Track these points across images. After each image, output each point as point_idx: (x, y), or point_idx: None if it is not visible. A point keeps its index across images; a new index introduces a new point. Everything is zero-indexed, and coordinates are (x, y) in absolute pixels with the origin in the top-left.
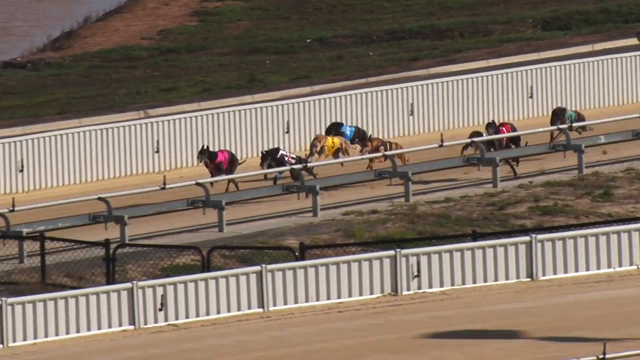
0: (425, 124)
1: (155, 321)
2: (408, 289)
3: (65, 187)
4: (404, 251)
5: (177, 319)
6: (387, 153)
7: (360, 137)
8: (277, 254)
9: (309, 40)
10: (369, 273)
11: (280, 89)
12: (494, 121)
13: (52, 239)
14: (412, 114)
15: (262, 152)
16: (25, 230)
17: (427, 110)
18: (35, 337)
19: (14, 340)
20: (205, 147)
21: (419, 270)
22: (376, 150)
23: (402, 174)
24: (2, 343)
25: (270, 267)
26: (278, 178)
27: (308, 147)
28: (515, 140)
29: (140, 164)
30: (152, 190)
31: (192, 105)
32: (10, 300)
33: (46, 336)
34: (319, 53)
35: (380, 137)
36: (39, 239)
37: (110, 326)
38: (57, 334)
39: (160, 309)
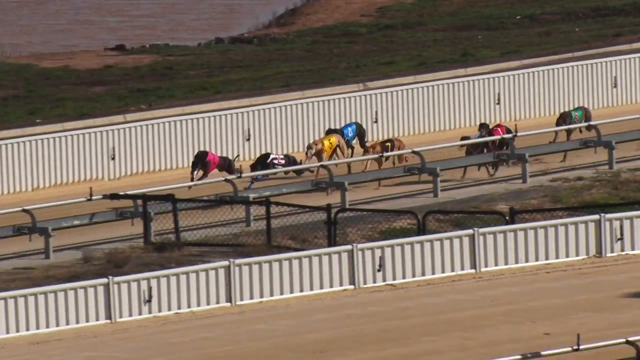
0: (628, 95)
1: (374, 281)
2: (612, 251)
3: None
4: (608, 215)
5: (394, 279)
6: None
7: (361, 135)
8: (489, 218)
9: (518, 17)
10: (575, 236)
11: (491, 63)
12: (486, 123)
13: (277, 203)
14: (615, 87)
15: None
16: (252, 196)
17: (630, 83)
18: (262, 296)
19: (242, 299)
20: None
21: (622, 234)
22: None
23: (605, 143)
24: (231, 301)
25: (482, 230)
26: (252, 186)
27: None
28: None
29: None
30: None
31: (408, 78)
32: (238, 261)
33: (271, 295)
34: (528, 29)
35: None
36: (265, 203)
37: (331, 286)
38: (281, 293)
39: (379, 270)
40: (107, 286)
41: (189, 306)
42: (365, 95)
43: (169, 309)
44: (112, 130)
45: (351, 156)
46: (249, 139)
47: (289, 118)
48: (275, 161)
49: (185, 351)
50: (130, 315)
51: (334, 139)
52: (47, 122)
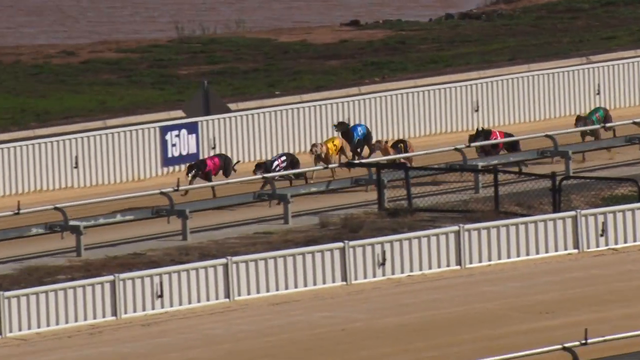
0: None
1: (597, 245)
2: None
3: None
4: None
5: (616, 243)
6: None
7: (368, 137)
8: None
9: None
10: None
11: None
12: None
13: (505, 171)
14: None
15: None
16: (480, 164)
17: None
18: (489, 260)
19: (471, 262)
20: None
21: None
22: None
23: None
24: (460, 264)
25: None
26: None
27: None
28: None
29: (581, 105)
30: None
31: (629, 52)
32: (468, 226)
33: (499, 258)
34: None
35: None
36: (492, 171)
37: (556, 250)
38: (508, 257)
39: (602, 235)
40: (342, 250)
41: (420, 269)
42: (587, 69)
43: (402, 272)
44: (347, 102)
45: (366, 156)
46: (477, 110)
47: (515, 90)
48: (277, 168)
49: (417, 311)
50: (365, 277)
51: (337, 140)
52: (285, 94)
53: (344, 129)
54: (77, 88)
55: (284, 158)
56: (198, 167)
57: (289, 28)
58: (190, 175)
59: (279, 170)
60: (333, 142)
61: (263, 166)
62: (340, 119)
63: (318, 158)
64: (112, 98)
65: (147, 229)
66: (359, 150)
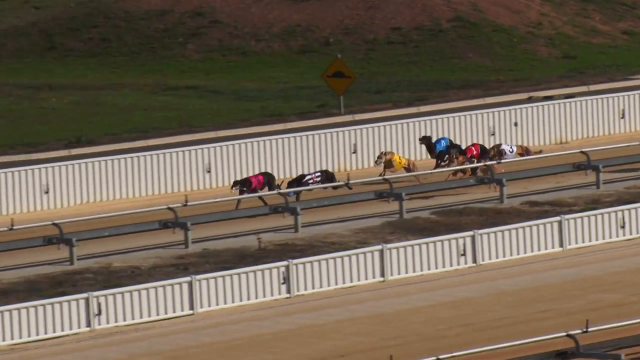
0: None
1: None
2: None
3: None
4: None
5: None
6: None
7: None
8: None
9: None
10: None
11: None
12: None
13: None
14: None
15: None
16: None
17: None
18: None
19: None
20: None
21: None
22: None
23: None
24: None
25: None
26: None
27: None
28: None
29: None
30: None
31: None
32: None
33: None
34: None
35: None
36: None
37: None
38: None
39: None
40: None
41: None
42: None
43: None
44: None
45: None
46: None
47: None
48: (311, 181)
49: None
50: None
51: (405, 160)
52: None
53: (427, 142)
54: None
55: (318, 173)
56: (242, 184)
57: None
58: (233, 189)
59: (311, 183)
60: (400, 159)
61: (294, 183)
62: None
63: (387, 165)
64: None
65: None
66: (440, 162)
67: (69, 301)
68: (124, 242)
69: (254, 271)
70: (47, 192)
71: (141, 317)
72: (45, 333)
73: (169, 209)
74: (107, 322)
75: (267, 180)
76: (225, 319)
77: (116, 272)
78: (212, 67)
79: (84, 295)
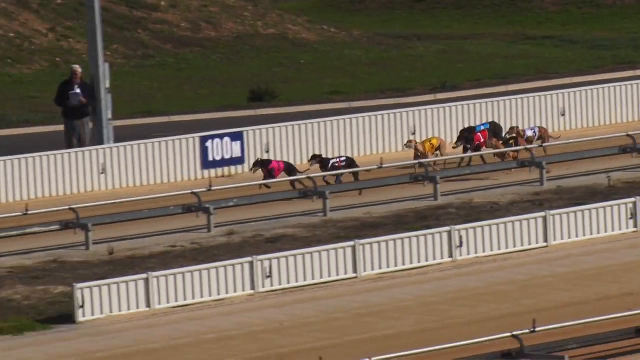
0: None
1: None
2: None
3: None
4: None
5: None
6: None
7: (496, 131)
8: None
9: None
10: None
11: None
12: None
13: None
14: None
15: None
16: None
17: None
18: None
19: None
20: (258, 159)
21: None
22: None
23: None
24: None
25: None
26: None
27: None
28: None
29: None
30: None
31: None
32: None
33: None
34: None
35: None
36: None
37: None
38: None
39: None
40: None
41: None
42: None
43: None
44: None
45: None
46: None
47: None
48: (336, 164)
49: None
50: None
51: (435, 140)
52: None
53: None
54: None
55: (344, 158)
56: (262, 164)
57: None
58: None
59: (336, 168)
60: (430, 141)
61: (318, 158)
62: None
63: (419, 153)
64: None
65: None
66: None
67: (432, 234)
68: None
69: (604, 207)
70: (414, 133)
71: (499, 249)
72: (411, 263)
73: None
74: (468, 254)
75: (288, 168)
76: (576, 251)
77: (477, 207)
78: (568, 19)
79: (447, 228)
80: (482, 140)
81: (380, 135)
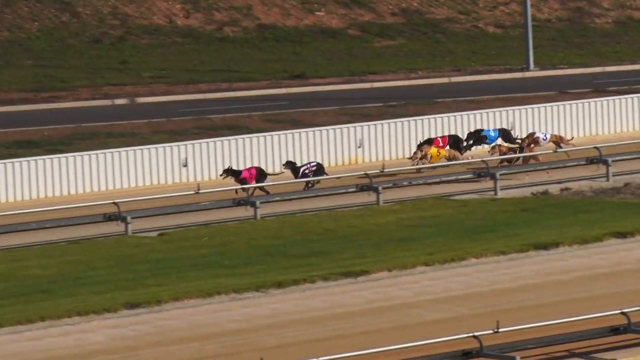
0: None
1: None
2: None
3: None
4: None
5: None
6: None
7: (505, 137)
8: None
9: None
10: None
11: None
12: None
13: None
14: None
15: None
16: None
17: None
18: None
19: None
20: (229, 167)
21: None
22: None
23: None
24: None
25: None
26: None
27: None
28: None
29: None
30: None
31: None
32: None
33: None
34: None
35: None
36: None
37: None
38: None
39: None
40: None
41: None
42: None
43: None
44: None
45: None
46: None
47: None
48: (307, 171)
49: None
50: None
51: (444, 151)
52: None
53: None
54: None
55: (314, 164)
56: (233, 173)
57: None
58: (222, 176)
59: (307, 174)
60: (438, 150)
61: (290, 164)
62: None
63: (422, 158)
64: None
65: None
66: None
67: None
68: None
69: None
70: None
71: None
72: None
73: None
74: None
75: (259, 173)
76: None
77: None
78: None
79: None
80: (441, 144)
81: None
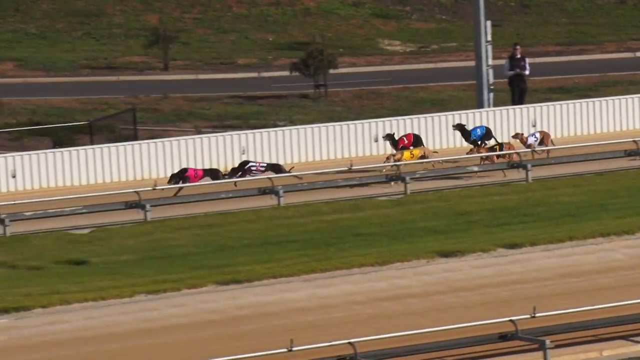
0: None
1: None
2: None
3: None
4: None
5: None
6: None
7: (489, 136)
8: None
9: None
10: None
11: None
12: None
13: None
14: None
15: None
16: None
17: None
18: None
19: None
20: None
21: None
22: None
23: None
24: None
25: None
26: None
27: None
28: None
29: None
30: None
31: None
32: None
33: None
34: None
35: None
36: None
37: None
38: None
39: None
40: None
41: None
42: None
43: None
44: None
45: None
46: None
47: None
48: (254, 168)
49: None
50: None
51: (417, 151)
52: None
53: (461, 129)
54: None
55: (264, 163)
56: (178, 177)
57: None
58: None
59: (254, 170)
60: (412, 152)
61: (243, 165)
62: None
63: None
64: None
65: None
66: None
67: None
68: None
69: None
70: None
71: None
72: None
73: None
74: None
75: (210, 173)
76: None
77: None
78: None
79: None
80: (406, 142)
81: None
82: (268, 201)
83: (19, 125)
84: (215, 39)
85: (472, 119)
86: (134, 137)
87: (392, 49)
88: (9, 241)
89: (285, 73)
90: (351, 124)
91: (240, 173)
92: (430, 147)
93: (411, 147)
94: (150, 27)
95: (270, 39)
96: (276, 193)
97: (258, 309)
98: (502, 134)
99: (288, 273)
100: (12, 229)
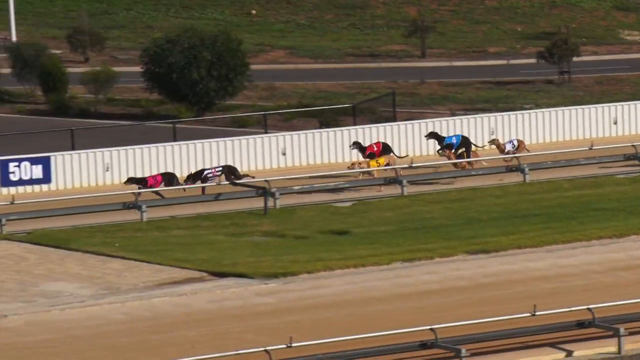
0: None
1: None
2: None
3: None
4: None
5: None
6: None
7: (466, 145)
8: None
9: None
10: None
11: None
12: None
13: None
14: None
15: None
16: None
17: None
18: None
19: None
20: (131, 177)
21: None
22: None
23: None
24: None
25: None
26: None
27: None
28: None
29: None
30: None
31: None
32: None
33: None
34: None
35: None
36: None
37: None
38: None
39: None
40: None
41: None
42: None
43: None
44: None
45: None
46: None
47: None
48: (210, 174)
49: None
50: None
51: (383, 160)
52: None
53: (435, 137)
54: None
55: (219, 168)
56: (138, 181)
57: None
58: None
59: (210, 177)
60: (377, 161)
61: (192, 177)
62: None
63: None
64: None
65: None
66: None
67: None
68: None
69: None
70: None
71: None
72: None
73: None
74: None
75: (167, 179)
76: None
77: None
78: None
79: None
80: (375, 149)
81: None
82: (514, 178)
83: (289, 108)
84: (468, 29)
85: None
86: (393, 118)
87: (632, 38)
88: (278, 213)
89: (532, 61)
90: (592, 107)
91: (197, 180)
92: None
93: (378, 157)
94: (409, 18)
95: (519, 29)
96: (522, 170)
97: (503, 276)
98: None
99: (532, 244)
100: (282, 201)
